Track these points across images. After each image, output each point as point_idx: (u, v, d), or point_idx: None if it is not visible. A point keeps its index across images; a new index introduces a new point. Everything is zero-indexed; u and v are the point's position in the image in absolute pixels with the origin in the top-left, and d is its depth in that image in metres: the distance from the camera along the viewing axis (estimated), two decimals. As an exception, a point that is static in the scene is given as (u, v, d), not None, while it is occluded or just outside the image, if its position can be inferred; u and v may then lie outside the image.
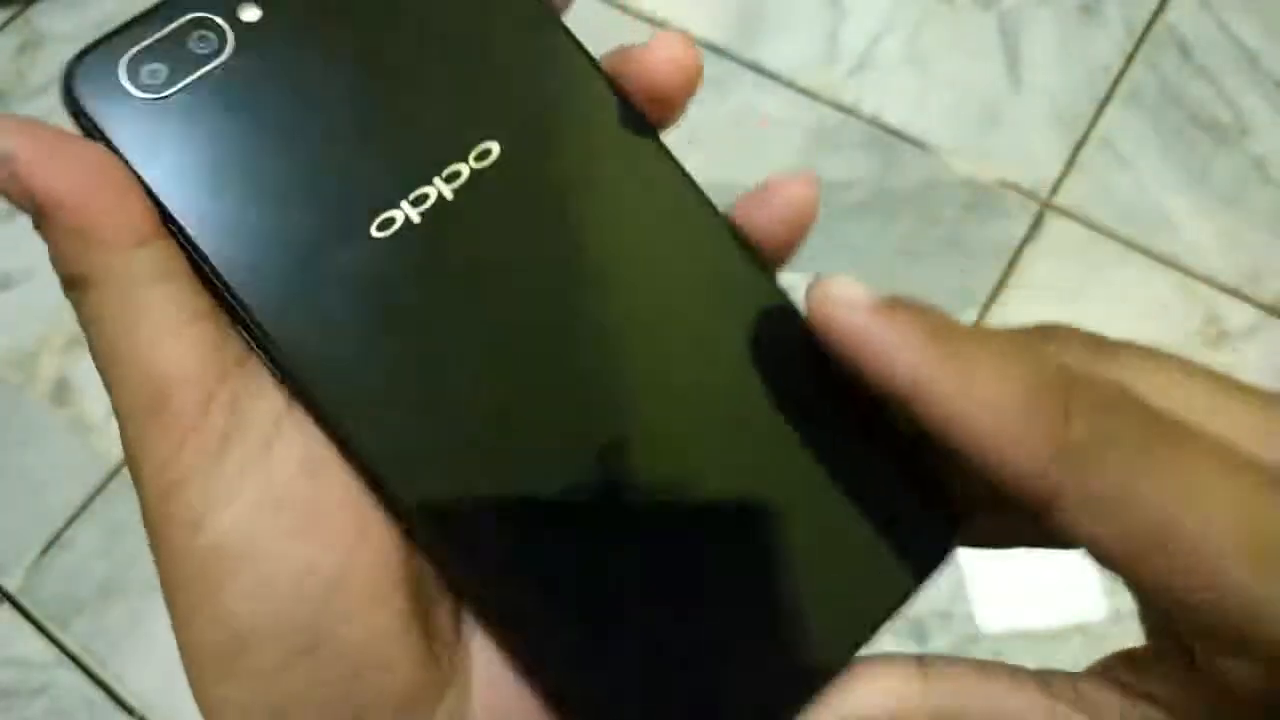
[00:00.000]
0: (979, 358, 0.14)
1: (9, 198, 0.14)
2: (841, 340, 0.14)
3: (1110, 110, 0.75)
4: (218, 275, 0.14)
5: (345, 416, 0.14)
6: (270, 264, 0.15)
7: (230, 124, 0.15)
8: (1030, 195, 0.72)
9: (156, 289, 0.14)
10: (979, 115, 0.76)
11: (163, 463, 0.14)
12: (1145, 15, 0.80)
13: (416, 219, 0.15)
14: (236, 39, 0.15)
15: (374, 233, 0.15)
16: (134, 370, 0.14)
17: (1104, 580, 0.59)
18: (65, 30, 0.84)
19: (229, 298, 0.15)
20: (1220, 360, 0.65)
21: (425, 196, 0.15)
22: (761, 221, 0.17)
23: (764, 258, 0.17)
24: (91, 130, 0.15)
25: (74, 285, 0.14)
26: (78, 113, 0.15)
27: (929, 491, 0.17)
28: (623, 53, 0.17)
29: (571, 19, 0.18)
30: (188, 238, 0.14)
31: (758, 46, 0.78)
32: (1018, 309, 0.69)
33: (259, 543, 0.14)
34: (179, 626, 0.14)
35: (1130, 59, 0.78)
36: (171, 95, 0.15)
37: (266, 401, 0.14)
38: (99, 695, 0.62)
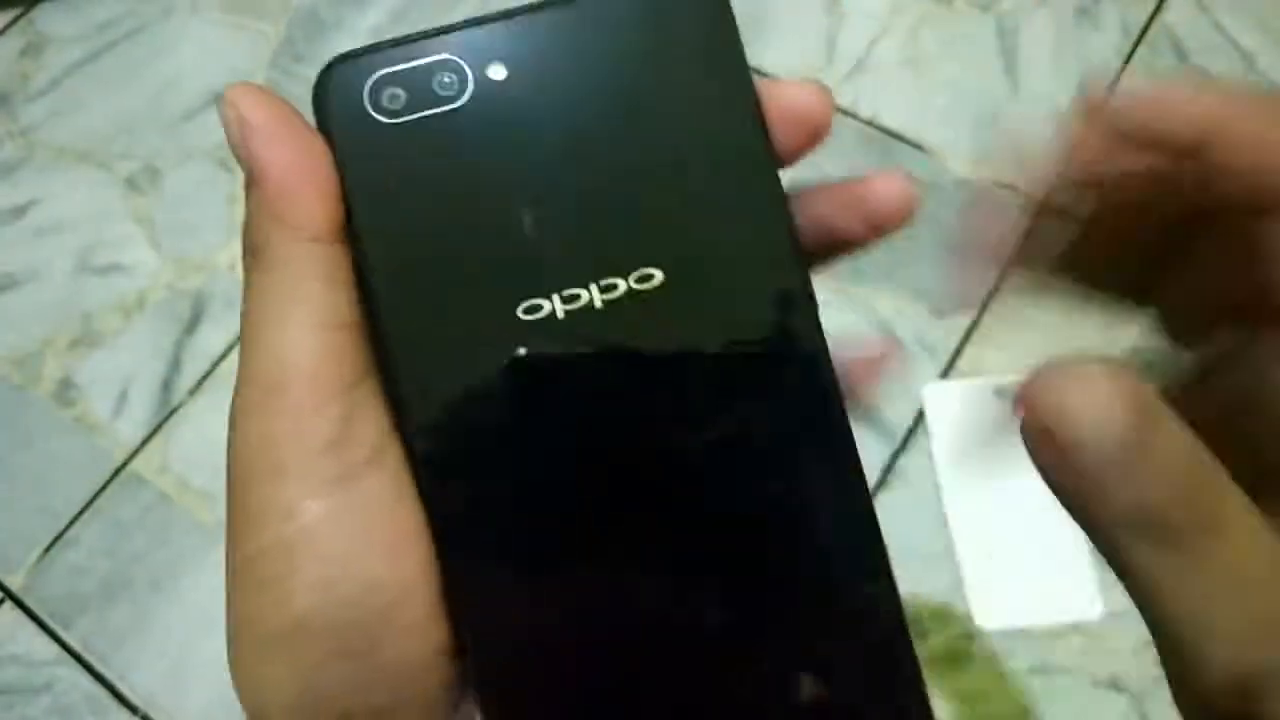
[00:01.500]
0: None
1: (236, 155, 0.16)
2: None
3: (1108, 111, 0.75)
4: (372, 294, 0.16)
5: (435, 462, 0.15)
6: (421, 302, 0.16)
7: (440, 166, 0.16)
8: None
9: (315, 285, 0.15)
10: (977, 117, 0.77)
11: (267, 440, 0.15)
12: (1142, 16, 0.80)
13: (561, 315, 0.16)
14: (475, 91, 0.16)
15: (520, 314, 0.16)
16: (267, 349, 0.15)
17: (1100, 579, 0.59)
18: (68, 33, 0.84)
19: (375, 317, 0.16)
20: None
21: (577, 297, 0.16)
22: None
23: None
24: (322, 128, 0.16)
25: (249, 253, 0.16)
26: (317, 109, 0.16)
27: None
28: (845, 188, 0.18)
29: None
30: (360, 251, 0.16)
31: (756, 50, 0.79)
32: (1016, 308, 0.69)
33: (339, 545, 0.15)
34: (239, 599, 0.15)
35: (1128, 60, 0.79)
36: (400, 122, 0.16)
37: (376, 424, 0.15)
38: (102, 693, 0.62)
